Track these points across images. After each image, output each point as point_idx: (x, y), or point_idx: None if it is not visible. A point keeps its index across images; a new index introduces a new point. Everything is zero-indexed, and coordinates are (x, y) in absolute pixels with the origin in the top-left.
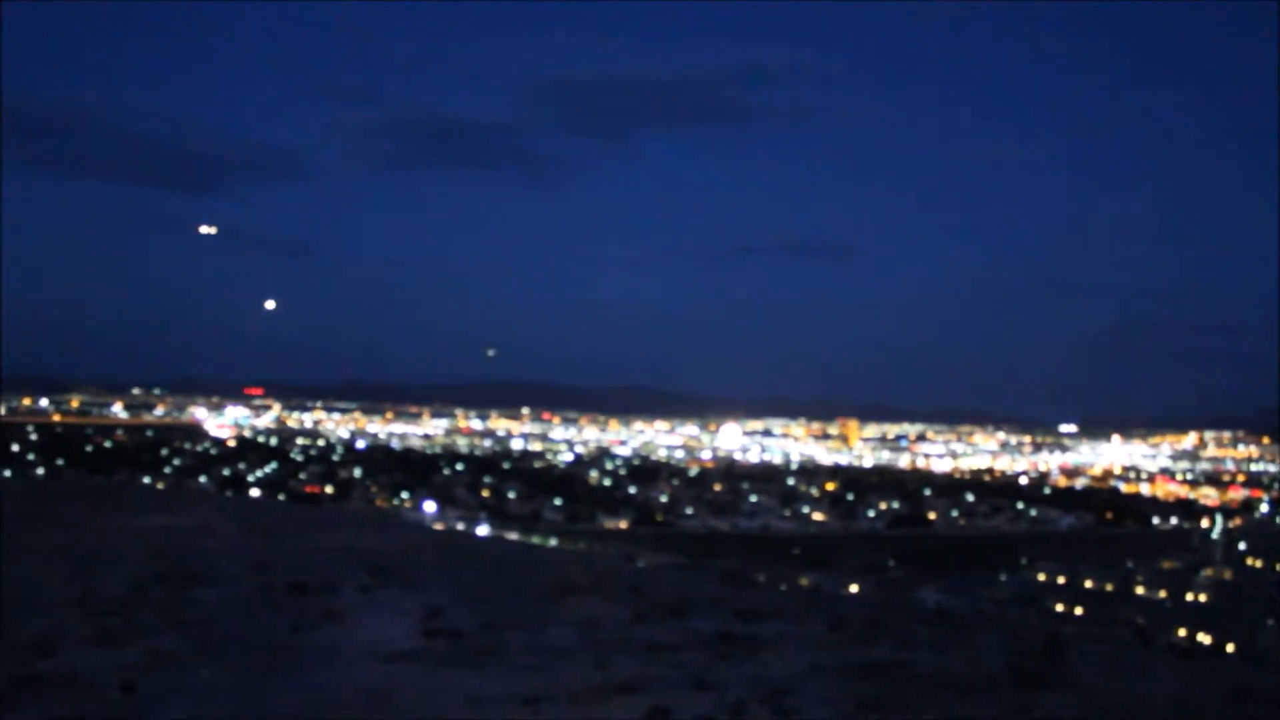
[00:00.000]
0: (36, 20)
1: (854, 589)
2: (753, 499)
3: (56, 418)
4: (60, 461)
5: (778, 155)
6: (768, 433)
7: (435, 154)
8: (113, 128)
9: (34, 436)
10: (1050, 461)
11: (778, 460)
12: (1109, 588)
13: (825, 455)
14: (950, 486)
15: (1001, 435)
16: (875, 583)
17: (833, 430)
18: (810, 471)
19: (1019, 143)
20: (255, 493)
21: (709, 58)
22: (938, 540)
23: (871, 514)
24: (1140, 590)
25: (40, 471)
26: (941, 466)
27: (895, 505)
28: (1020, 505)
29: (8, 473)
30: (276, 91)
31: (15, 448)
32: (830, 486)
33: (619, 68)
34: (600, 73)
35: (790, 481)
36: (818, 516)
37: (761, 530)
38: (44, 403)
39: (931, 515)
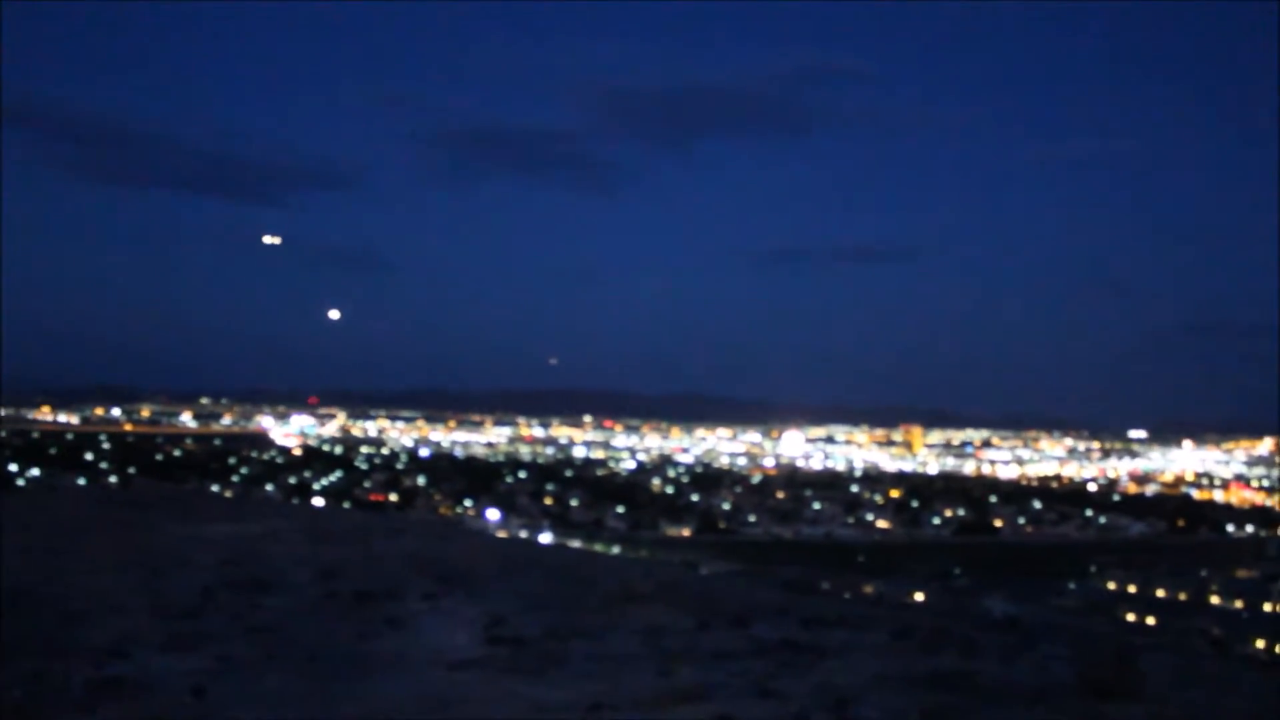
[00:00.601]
0: (104, 37)
1: (919, 597)
2: (815, 506)
3: (128, 427)
4: (132, 470)
5: (837, 159)
6: (830, 439)
7: (495, 162)
8: (180, 141)
9: (107, 445)
10: (1119, 468)
11: (841, 467)
12: (1182, 597)
13: (889, 462)
14: (1017, 493)
15: (1069, 441)
16: (940, 591)
17: (896, 437)
18: (874, 478)
19: (1083, 141)
20: (320, 501)
21: (767, 63)
22: (1004, 548)
23: (936, 521)
24: (1215, 600)
25: (113, 479)
26: (1008, 473)
27: (960, 512)
28: (1089, 512)
29: (82, 480)
30: (339, 103)
31: (89, 456)
32: (894, 493)
33: (677, 74)
34: (659, 79)
35: (853, 489)
36: (881, 524)
37: (825, 538)
38: (116, 412)
39: (998, 522)
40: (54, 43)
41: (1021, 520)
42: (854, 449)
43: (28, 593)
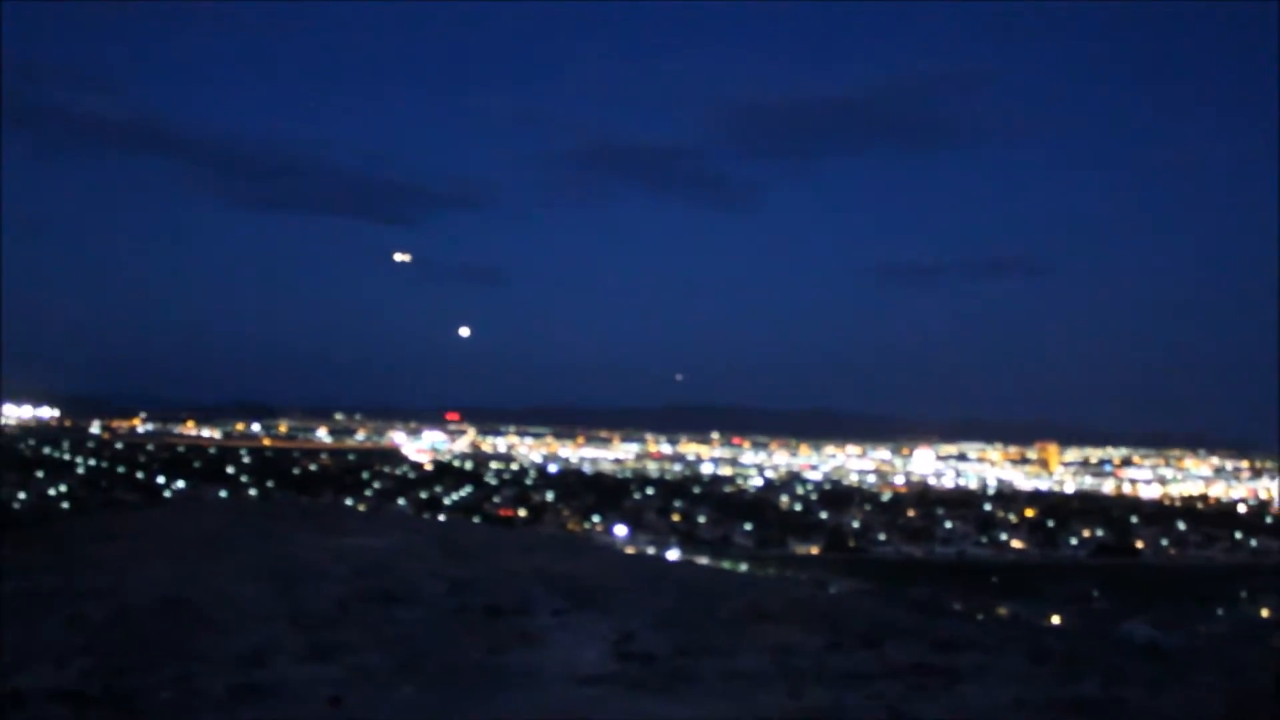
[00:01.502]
0: (250, 71)
1: (1056, 620)
2: (947, 525)
3: (266, 441)
4: (270, 483)
5: (965, 170)
6: (963, 457)
7: (622, 179)
8: (317, 164)
9: (246, 459)
10: (1272, 488)
11: (973, 485)
12: None
13: (1023, 480)
14: (1159, 514)
15: (1215, 460)
16: (1078, 614)
17: (1031, 454)
18: (1008, 497)
19: (1224, 146)
20: (450, 515)
21: (891, 74)
22: (1146, 570)
23: (1074, 542)
24: None
25: (252, 492)
26: (1149, 493)
27: (1099, 533)
28: (1238, 535)
29: (223, 493)
30: (467, 124)
31: (230, 469)
32: (1029, 512)
33: (802, 88)
34: (783, 94)
35: (986, 507)
36: (1016, 544)
37: (956, 557)
38: (255, 427)
39: (1139, 544)
40: (207, 75)
41: (1164, 542)
42: (987, 466)
43: (175, 600)
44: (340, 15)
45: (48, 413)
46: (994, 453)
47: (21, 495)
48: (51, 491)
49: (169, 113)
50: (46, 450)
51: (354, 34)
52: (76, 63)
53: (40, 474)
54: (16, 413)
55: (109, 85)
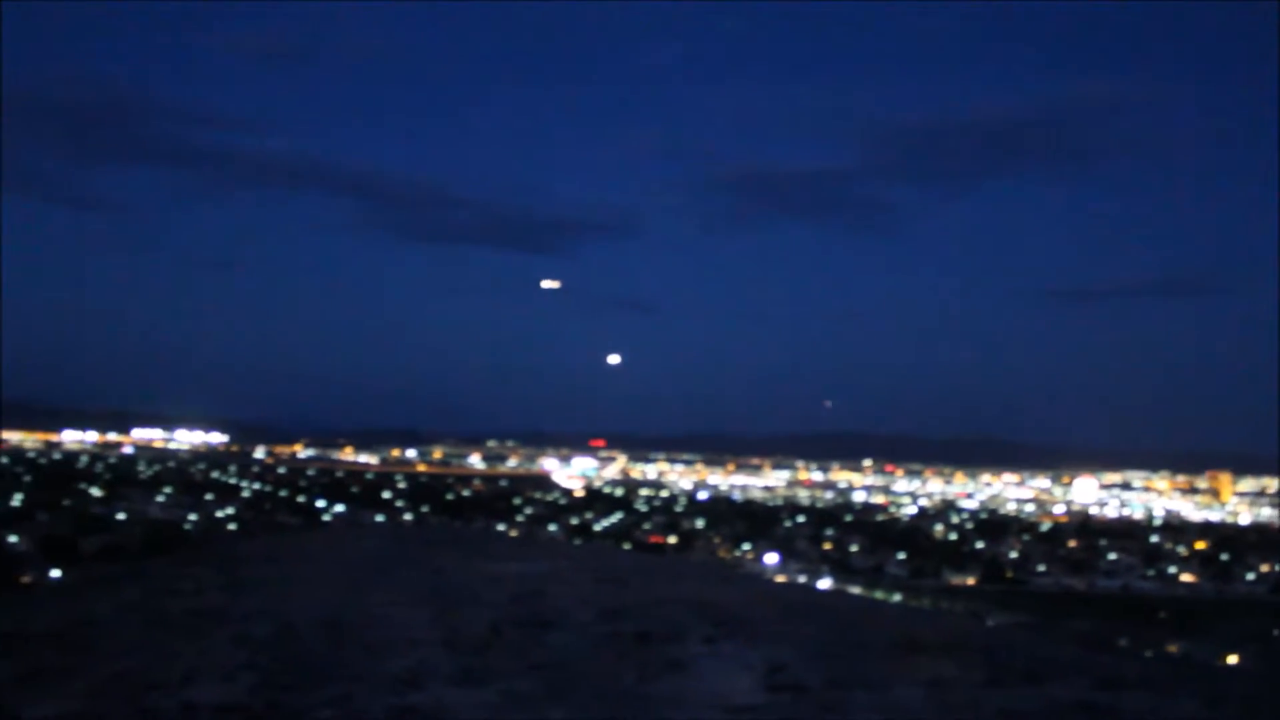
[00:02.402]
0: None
1: (1233, 660)
2: (1111, 557)
3: (421, 467)
4: (424, 508)
5: (1126, 190)
6: (1127, 486)
7: (770, 206)
8: (471, 197)
9: (402, 485)
10: None
11: (1139, 515)
12: None
13: (1193, 511)
14: None
15: None
16: (1258, 654)
17: (1201, 483)
18: (1176, 528)
19: None
20: (600, 542)
21: (1045, 94)
22: None
23: (1251, 577)
24: None
25: (408, 517)
26: None
27: (1279, 568)
28: None
29: (380, 517)
30: (619, 155)
31: (386, 495)
32: (1200, 545)
33: (954, 111)
34: (935, 116)
35: (1153, 539)
36: (1186, 578)
37: (1121, 590)
38: (411, 453)
39: None
40: (365, 114)
41: None
42: (1153, 496)
43: (335, 623)
44: (495, 55)
45: (217, 438)
46: (1160, 482)
47: (192, 516)
48: (219, 513)
49: (328, 151)
50: (215, 474)
51: (508, 72)
52: (239, 106)
53: (209, 496)
54: (189, 438)
55: (271, 126)
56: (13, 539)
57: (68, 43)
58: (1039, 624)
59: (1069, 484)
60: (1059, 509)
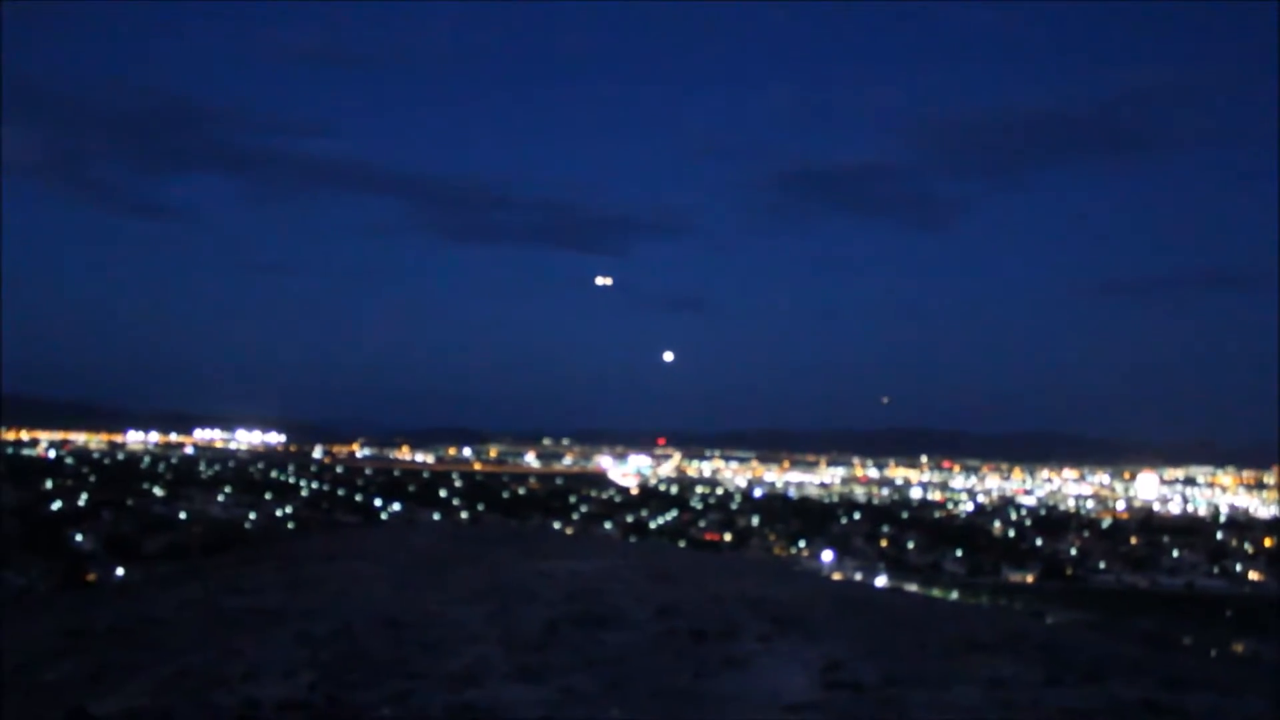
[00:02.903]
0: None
1: None
2: (1174, 554)
3: (477, 466)
4: (480, 506)
5: (1180, 180)
6: (1190, 481)
7: (823, 203)
8: (525, 197)
9: (458, 483)
10: None
11: (1203, 511)
12: None
13: (1260, 507)
14: None
15: None
16: None
17: (1269, 479)
18: (1243, 525)
19: None
20: (656, 539)
21: (1098, 85)
22: None
23: None
24: None
25: (464, 515)
26: None
27: None
28: None
29: (436, 515)
30: (671, 154)
31: (443, 493)
32: (1268, 542)
33: (1005, 103)
34: (986, 109)
35: (1219, 535)
36: (1254, 575)
37: (1185, 588)
38: (467, 452)
39: None
40: (417, 117)
41: None
42: (1218, 492)
43: (394, 620)
44: (546, 56)
45: (276, 438)
46: (1226, 477)
47: (252, 515)
48: (278, 512)
49: (380, 153)
50: (274, 473)
51: (559, 73)
52: (291, 110)
53: (268, 495)
54: (248, 438)
55: (325, 130)
56: (79, 538)
57: (122, 49)
58: (1100, 622)
59: (1130, 479)
60: (1120, 505)
